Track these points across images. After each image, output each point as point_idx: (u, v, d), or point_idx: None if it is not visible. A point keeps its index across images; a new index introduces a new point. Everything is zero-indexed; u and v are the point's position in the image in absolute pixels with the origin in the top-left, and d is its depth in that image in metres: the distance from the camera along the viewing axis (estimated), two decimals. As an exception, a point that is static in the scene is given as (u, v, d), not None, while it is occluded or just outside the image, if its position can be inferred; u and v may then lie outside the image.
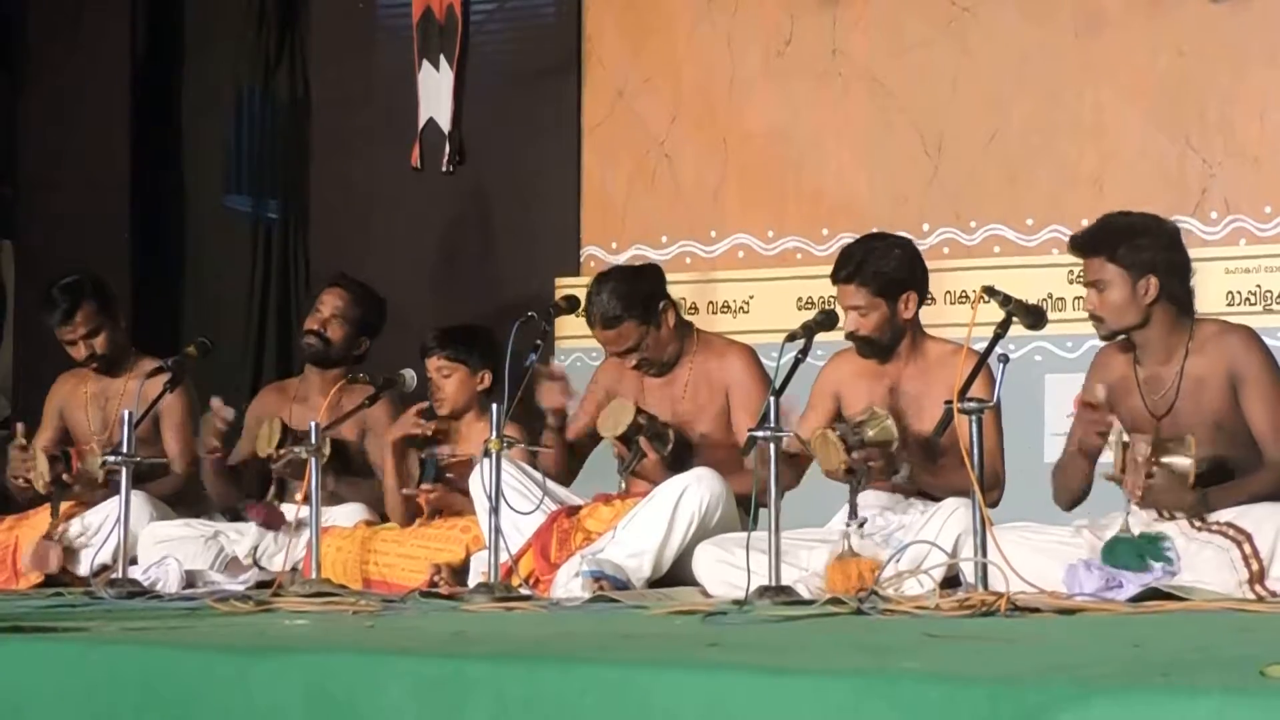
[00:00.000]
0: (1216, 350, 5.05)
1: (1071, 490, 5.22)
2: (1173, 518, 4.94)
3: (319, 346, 6.52)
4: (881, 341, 5.47)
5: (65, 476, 6.37)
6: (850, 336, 5.46)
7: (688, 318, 6.14)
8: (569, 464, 5.97)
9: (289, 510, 6.16)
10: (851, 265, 5.46)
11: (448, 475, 5.99)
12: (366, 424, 6.34)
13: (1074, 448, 5.16)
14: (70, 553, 6.30)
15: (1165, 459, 4.83)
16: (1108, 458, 5.02)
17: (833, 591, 4.81)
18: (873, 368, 5.53)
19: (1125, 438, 4.88)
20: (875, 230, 5.86)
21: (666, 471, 5.62)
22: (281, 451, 6.12)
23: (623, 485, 5.82)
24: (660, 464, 5.66)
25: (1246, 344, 5.07)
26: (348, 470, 6.36)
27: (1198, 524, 4.89)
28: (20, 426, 6.61)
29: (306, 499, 5.61)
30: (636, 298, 5.78)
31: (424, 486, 6.01)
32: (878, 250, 5.49)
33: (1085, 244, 5.13)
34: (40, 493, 6.44)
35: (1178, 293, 5.07)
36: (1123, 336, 5.12)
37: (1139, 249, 5.04)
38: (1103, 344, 5.24)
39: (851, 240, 5.67)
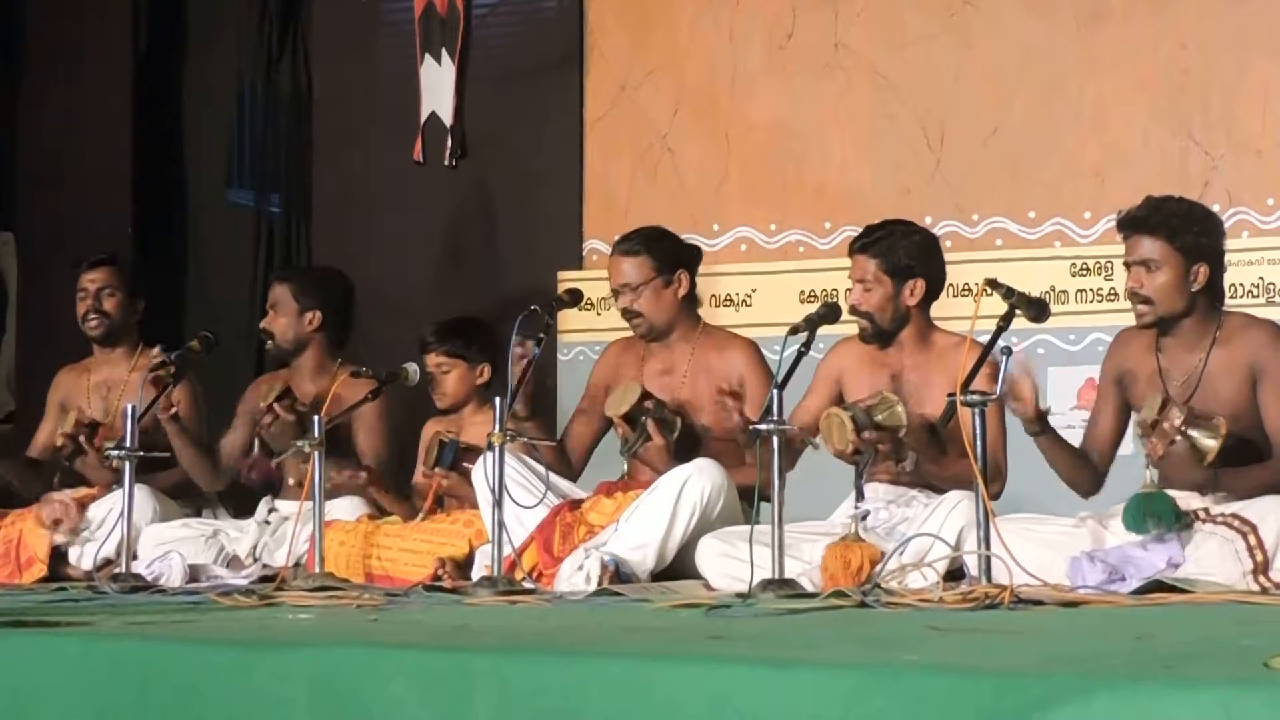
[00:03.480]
0: (1242, 342, 5.07)
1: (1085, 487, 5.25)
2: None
3: (272, 347, 6.58)
4: (881, 323, 5.49)
5: (82, 439, 6.39)
6: (853, 311, 5.48)
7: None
8: (571, 465, 5.99)
9: (290, 507, 6.15)
10: (869, 238, 5.53)
11: (465, 465, 5.98)
12: (354, 413, 6.32)
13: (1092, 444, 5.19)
14: (82, 508, 6.32)
15: (1193, 432, 4.85)
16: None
17: (827, 575, 4.83)
18: (875, 356, 5.54)
19: (1166, 396, 4.90)
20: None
21: (671, 459, 5.62)
22: (279, 404, 6.14)
23: (625, 468, 5.81)
24: (665, 451, 5.66)
25: (1272, 338, 5.09)
26: (339, 454, 6.33)
27: (1202, 515, 4.90)
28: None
29: (308, 494, 5.62)
30: (664, 248, 5.91)
31: (438, 471, 6.00)
32: (898, 232, 5.55)
33: (1140, 223, 5.11)
34: (55, 446, 6.46)
35: (1217, 284, 5.11)
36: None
37: (1195, 234, 5.06)
38: (1120, 329, 5.25)
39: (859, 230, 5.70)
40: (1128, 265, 5.13)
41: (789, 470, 5.44)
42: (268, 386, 6.26)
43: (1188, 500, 4.94)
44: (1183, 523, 4.83)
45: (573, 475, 5.95)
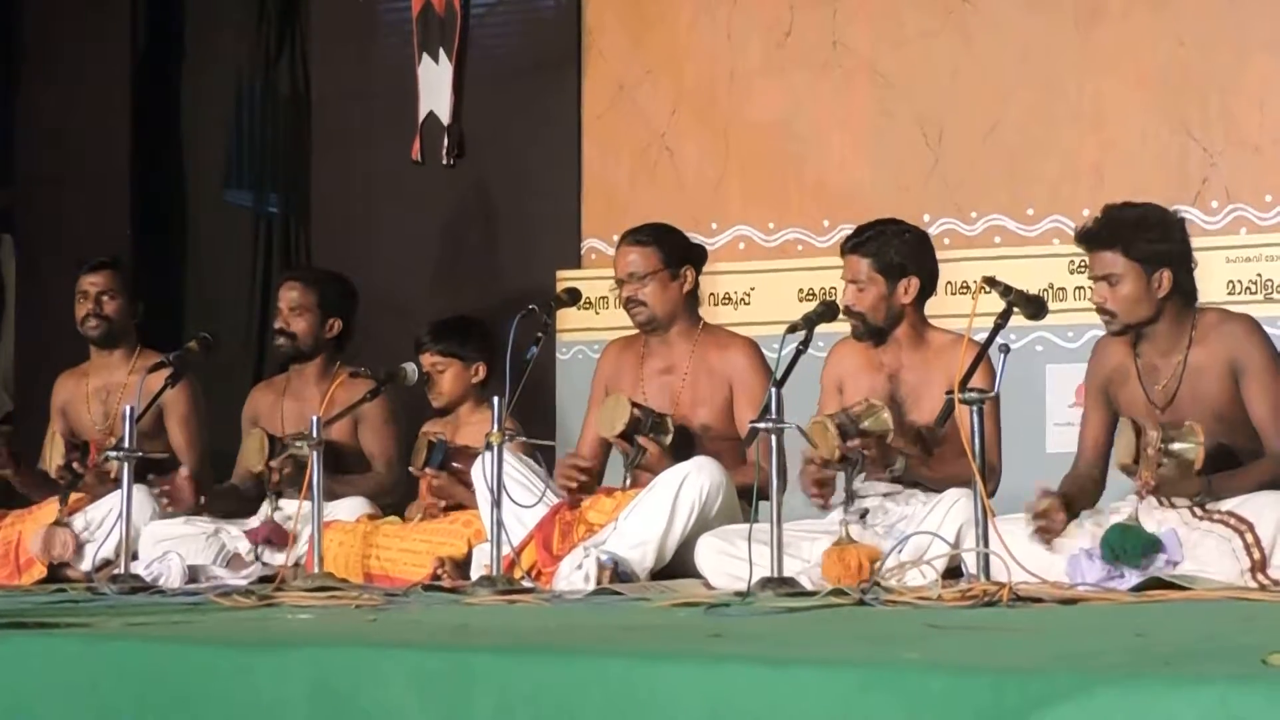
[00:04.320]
0: (1218, 339, 5.04)
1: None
2: (1173, 506, 4.95)
3: (289, 345, 6.54)
4: (875, 322, 5.49)
5: (76, 465, 6.37)
6: (847, 311, 5.49)
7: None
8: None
9: (290, 505, 6.15)
10: (860, 238, 5.54)
11: (454, 465, 5.98)
12: (359, 416, 6.32)
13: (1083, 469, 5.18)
14: (78, 542, 6.32)
15: (1173, 447, 4.83)
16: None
17: (828, 579, 4.82)
18: (873, 357, 5.54)
19: (1136, 426, 4.88)
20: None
21: (670, 463, 5.62)
22: (272, 465, 6.12)
23: (628, 481, 5.81)
24: (664, 455, 5.66)
25: (1248, 332, 5.06)
26: (341, 469, 6.33)
27: (1199, 513, 4.89)
28: None
29: (308, 494, 5.61)
30: (673, 242, 5.94)
31: (428, 471, 6.00)
32: (889, 231, 5.55)
33: (1095, 237, 5.07)
34: (52, 477, 6.43)
35: (1186, 285, 5.07)
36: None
37: (1151, 241, 5.02)
38: (1100, 336, 5.24)
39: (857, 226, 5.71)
40: (1092, 279, 5.11)
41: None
42: (255, 441, 6.21)
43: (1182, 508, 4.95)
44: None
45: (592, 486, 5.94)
